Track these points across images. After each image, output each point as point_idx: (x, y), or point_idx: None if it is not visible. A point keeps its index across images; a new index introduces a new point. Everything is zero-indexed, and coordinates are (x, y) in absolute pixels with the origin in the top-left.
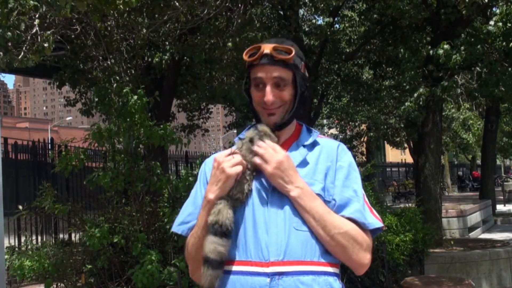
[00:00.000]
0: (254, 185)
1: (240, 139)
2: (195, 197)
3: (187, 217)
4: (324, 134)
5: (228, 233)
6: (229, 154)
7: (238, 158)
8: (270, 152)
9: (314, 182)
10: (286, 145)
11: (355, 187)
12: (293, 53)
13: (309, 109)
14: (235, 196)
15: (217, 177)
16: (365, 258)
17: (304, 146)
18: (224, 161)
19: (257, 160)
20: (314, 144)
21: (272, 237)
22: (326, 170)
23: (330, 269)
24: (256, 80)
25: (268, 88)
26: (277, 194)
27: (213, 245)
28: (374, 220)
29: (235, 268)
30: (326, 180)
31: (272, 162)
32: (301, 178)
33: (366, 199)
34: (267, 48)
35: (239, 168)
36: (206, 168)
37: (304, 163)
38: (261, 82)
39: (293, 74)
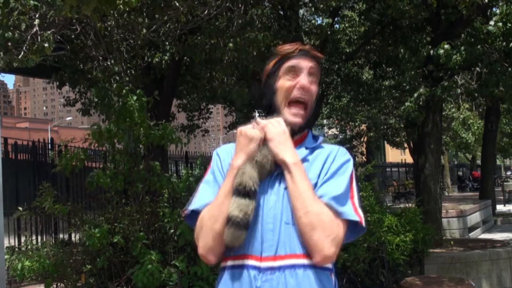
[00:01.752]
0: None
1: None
2: (207, 181)
3: (203, 198)
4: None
5: (251, 193)
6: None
7: (257, 130)
8: (275, 123)
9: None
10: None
11: (340, 182)
12: (323, 56)
13: None
14: (260, 161)
15: (241, 143)
16: (329, 248)
17: (306, 148)
18: (246, 129)
19: (263, 123)
20: (316, 147)
21: (265, 233)
22: (320, 168)
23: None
24: (291, 68)
25: (305, 74)
26: (273, 190)
27: (236, 204)
28: (351, 212)
29: (233, 262)
30: (319, 178)
31: (276, 130)
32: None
33: (355, 197)
34: (303, 46)
35: (260, 133)
36: (220, 154)
37: (303, 162)
38: (297, 70)
39: (320, 75)
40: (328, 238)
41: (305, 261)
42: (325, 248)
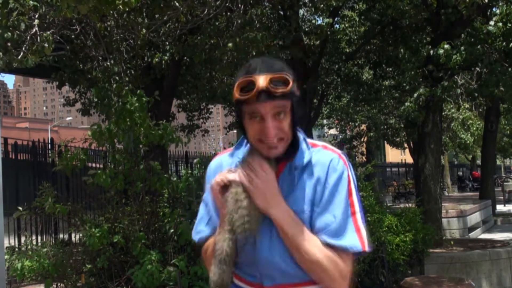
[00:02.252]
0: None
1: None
2: (205, 203)
3: (200, 226)
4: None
5: (227, 261)
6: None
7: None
8: (259, 173)
9: (302, 210)
10: (280, 168)
11: (336, 212)
12: (291, 83)
13: (309, 109)
14: (236, 225)
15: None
16: (342, 284)
17: (296, 168)
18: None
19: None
20: (308, 165)
21: (264, 260)
22: (312, 194)
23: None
24: (253, 114)
25: (269, 123)
26: (270, 221)
27: (214, 271)
28: (353, 242)
29: (239, 283)
30: (313, 205)
31: (262, 183)
32: (283, 201)
33: (357, 212)
34: (262, 81)
35: (219, 181)
36: (210, 175)
37: (292, 190)
38: (258, 116)
39: (291, 102)
40: (335, 279)
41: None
42: (339, 284)
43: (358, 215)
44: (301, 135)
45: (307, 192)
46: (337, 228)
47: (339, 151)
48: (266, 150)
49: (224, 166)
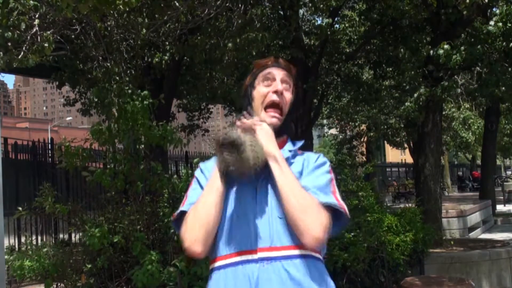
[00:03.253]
0: (242, 182)
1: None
2: (193, 188)
3: (190, 200)
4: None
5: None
6: None
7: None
8: (261, 124)
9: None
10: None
11: (319, 180)
12: (294, 69)
13: (309, 109)
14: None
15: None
16: (320, 231)
17: (289, 150)
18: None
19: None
20: (295, 155)
21: (259, 227)
22: (300, 169)
23: (312, 253)
24: (266, 75)
25: (278, 80)
26: (263, 189)
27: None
28: (334, 202)
29: (225, 262)
30: (300, 175)
31: (263, 130)
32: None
33: (337, 193)
34: (276, 58)
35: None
36: (203, 168)
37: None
38: (271, 77)
39: (293, 85)
40: (318, 221)
41: (301, 251)
42: (317, 231)
43: (338, 195)
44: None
45: (295, 169)
46: (322, 187)
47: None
48: (268, 117)
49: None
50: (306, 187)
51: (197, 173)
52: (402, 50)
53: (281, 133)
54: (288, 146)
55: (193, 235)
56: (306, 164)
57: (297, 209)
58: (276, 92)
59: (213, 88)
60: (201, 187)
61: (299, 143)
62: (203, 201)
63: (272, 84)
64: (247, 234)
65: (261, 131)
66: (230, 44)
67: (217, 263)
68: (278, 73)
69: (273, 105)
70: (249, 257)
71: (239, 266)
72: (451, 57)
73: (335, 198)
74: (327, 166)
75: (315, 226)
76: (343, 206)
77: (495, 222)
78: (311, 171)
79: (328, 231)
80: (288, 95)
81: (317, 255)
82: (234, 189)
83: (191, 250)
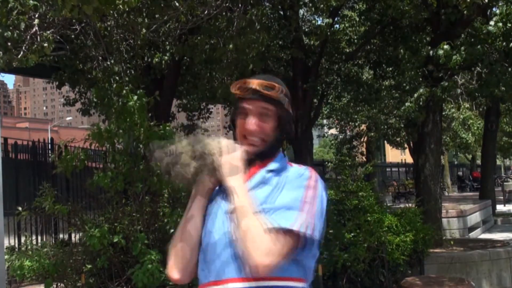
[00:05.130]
0: (225, 205)
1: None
2: None
3: None
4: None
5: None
6: None
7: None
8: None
9: (268, 204)
10: (260, 167)
11: (289, 194)
12: (277, 89)
13: (309, 109)
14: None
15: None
16: (260, 258)
17: (271, 171)
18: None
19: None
20: (281, 170)
21: (230, 255)
22: (264, 199)
23: (300, 284)
24: (242, 109)
25: (251, 118)
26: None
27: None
28: (285, 221)
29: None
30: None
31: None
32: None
33: (305, 208)
34: (254, 83)
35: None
36: None
37: (262, 184)
38: (245, 112)
39: (276, 109)
40: (258, 250)
41: (290, 283)
42: (257, 258)
43: (305, 213)
44: (285, 157)
45: (264, 195)
46: (284, 208)
47: (313, 171)
48: (246, 145)
49: None
50: (271, 208)
51: None
52: (402, 50)
53: (268, 155)
54: (271, 165)
55: (169, 261)
56: (281, 184)
57: (241, 237)
58: (248, 131)
59: (213, 88)
60: None
61: (285, 160)
62: (179, 226)
63: (246, 120)
64: (218, 262)
65: (225, 160)
66: (230, 46)
67: None
68: (253, 107)
69: (250, 133)
70: (241, 285)
71: None
72: (451, 58)
73: (296, 218)
74: (305, 179)
75: (255, 253)
76: (297, 228)
77: (495, 222)
78: (283, 188)
79: (283, 256)
80: (268, 124)
81: (303, 284)
82: (213, 209)
83: (169, 276)
